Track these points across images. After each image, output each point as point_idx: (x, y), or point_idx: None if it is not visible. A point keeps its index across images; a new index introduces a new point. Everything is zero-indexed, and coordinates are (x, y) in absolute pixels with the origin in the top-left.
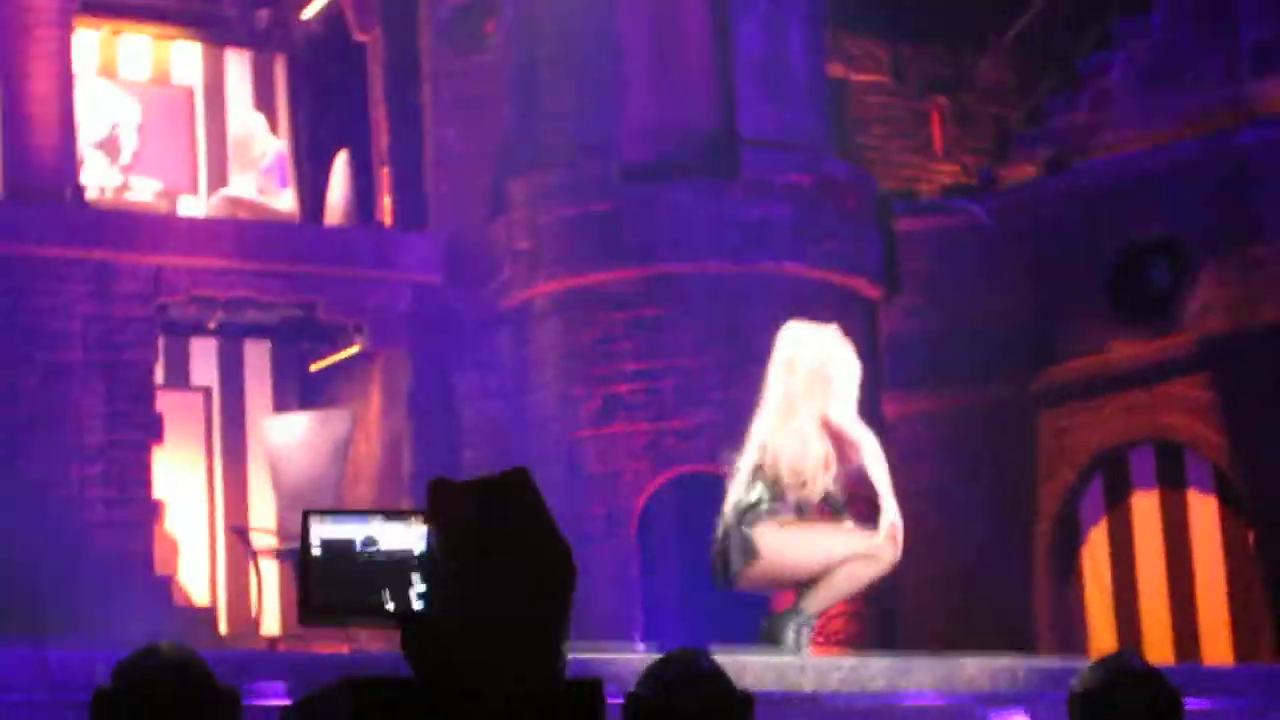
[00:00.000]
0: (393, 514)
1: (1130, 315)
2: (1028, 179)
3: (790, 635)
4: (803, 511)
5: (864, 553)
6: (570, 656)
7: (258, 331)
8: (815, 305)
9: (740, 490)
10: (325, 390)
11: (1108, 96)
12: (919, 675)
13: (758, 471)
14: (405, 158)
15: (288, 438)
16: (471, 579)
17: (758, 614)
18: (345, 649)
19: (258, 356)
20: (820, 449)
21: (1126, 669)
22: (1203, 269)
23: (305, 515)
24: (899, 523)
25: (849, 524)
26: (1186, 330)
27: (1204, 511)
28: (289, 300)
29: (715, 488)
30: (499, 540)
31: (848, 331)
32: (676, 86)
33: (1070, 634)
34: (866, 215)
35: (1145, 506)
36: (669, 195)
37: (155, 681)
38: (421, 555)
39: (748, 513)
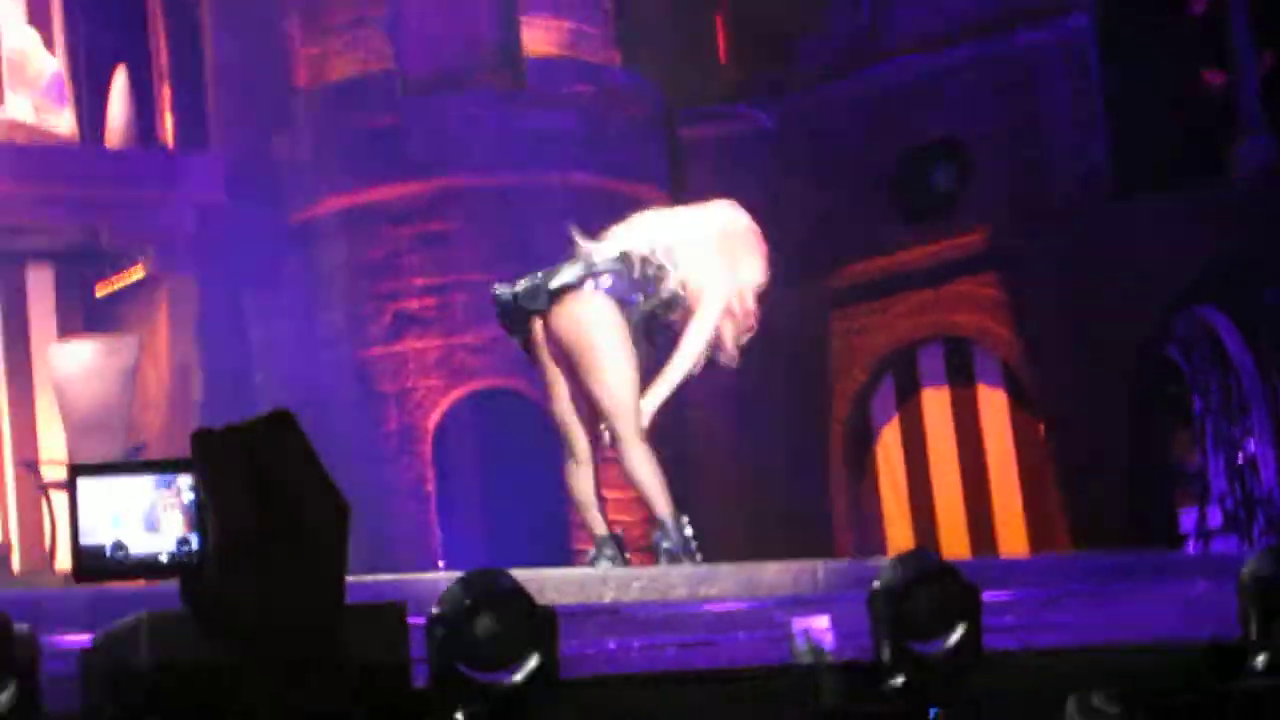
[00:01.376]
0: (161, 465)
1: (916, 217)
2: (811, 85)
3: (676, 539)
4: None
5: (630, 436)
6: (370, 579)
7: (40, 256)
8: (602, 214)
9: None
10: (112, 315)
11: (889, 1)
12: (720, 582)
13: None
14: (185, 74)
15: (74, 365)
16: (244, 530)
17: (557, 530)
18: (141, 582)
19: (41, 282)
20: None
21: (923, 566)
22: (985, 169)
23: (71, 471)
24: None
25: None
26: (970, 229)
27: (994, 406)
28: (71, 224)
29: (511, 403)
30: (266, 489)
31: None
32: None
33: (867, 534)
34: (652, 124)
35: (936, 403)
36: (453, 107)
37: None
38: (194, 504)
39: (595, 275)
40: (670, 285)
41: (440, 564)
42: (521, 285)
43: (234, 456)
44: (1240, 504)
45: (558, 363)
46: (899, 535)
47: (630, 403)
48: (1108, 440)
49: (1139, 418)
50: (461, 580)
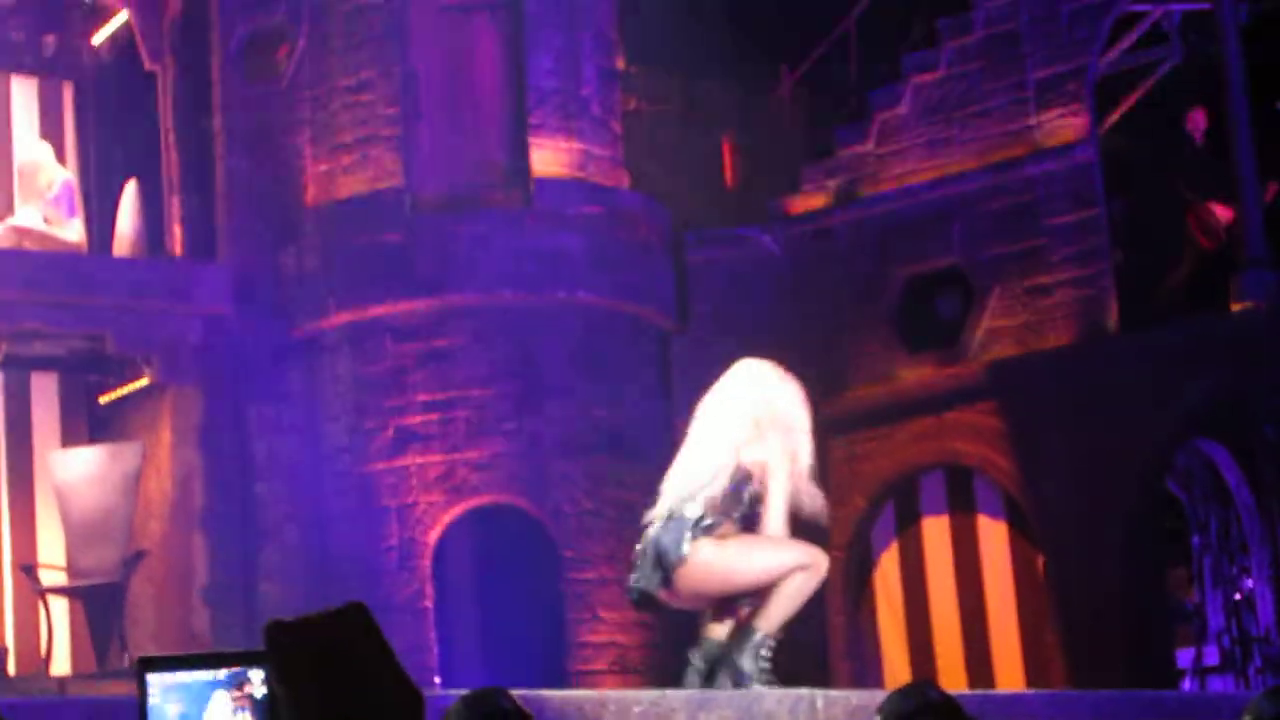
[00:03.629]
0: (231, 658)
1: (918, 344)
2: (817, 210)
3: (748, 661)
4: (741, 525)
5: (805, 563)
6: None
7: (45, 364)
8: (607, 336)
9: (675, 506)
10: (115, 423)
11: (896, 129)
12: (719, 709)
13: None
14: (196, 188)
15: (76, 472)
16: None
17: (556, 650)
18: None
19: (45, 389)
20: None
21: (925, 699)
22: (988, 298)
23: (140, 665)
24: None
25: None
26: (973, 358)
27: (994, 536)
28: (77, 332)
29: (511, 519)
30: (342, 683)
31: (641, 358)
32: (469, 118)
33: (864, 663)
34: (658, 246)
35: (936, 531)
36: (461, 226)
37: None
38: (265, 698)
39: (694, 527)
40: (746, 496)
41: (437, 680)
42: (642, 576)
43: (308, 649)
44: (1236, 642)
45: (699, 601)
46: (896, 666)
47: (784, 561)
48: (1106, 575)
49: (1137, 553)
50: (464, 699)
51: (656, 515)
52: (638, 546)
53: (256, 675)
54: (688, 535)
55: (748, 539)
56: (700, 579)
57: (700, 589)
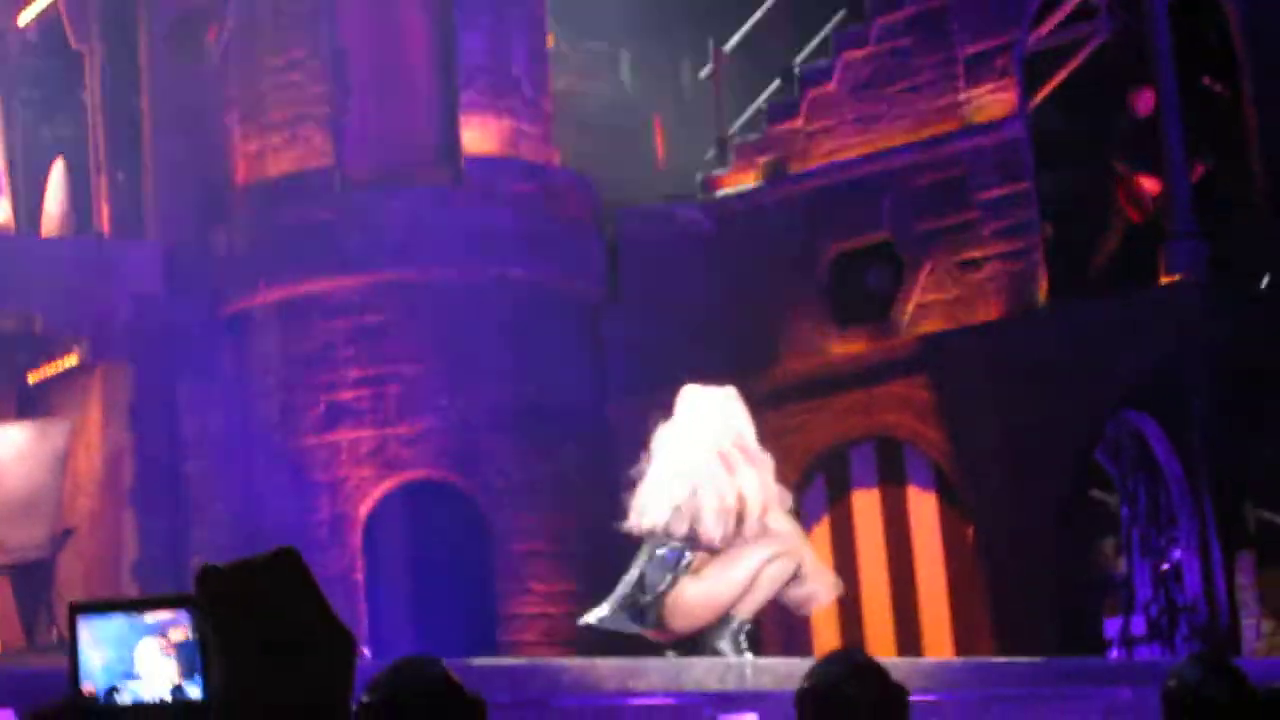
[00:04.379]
0: (160, 601)
1: (849, 318)
2: (747, 186)
3: (727, 644)
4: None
5: (779, 552)
6: None
7: None
8: (538, 312)
9: (652, 542)
10: (44, 402)
11: (826, 105)
12: (649, 677)
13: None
14: (124, 166)
15: (5, 450)
16: (250, 670)
17: (487, 622)
18: (67, 663)
19: None
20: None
21: (852, 663)
22: (919, 272)
23: (71, 610)
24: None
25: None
26: (904, 332)
27: (924, 508)
28: (6, 311)
29: (442, 494)
30: (275, 628)
31: (572, 334)
32: (399, 96)
33: (794, 633)
34: (589, 222)
35: (866, 504)
36: (392, 203)
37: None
38: (193, 643)
39: (674, 569)
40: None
41: (366, 652)
42: (612, 619)
43: (240, 593)
44: (1164, 612)
45: (693, 630)
46: (826, 635)
47: (760, 559)
48: (1035, 546)
49: (1066, 524)
50: (391, 667)
51: (641, 546)
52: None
53: (182, 620)
54: (667, 579)
55: (721, 559)
56: (688, 614)
57: (693, 623)
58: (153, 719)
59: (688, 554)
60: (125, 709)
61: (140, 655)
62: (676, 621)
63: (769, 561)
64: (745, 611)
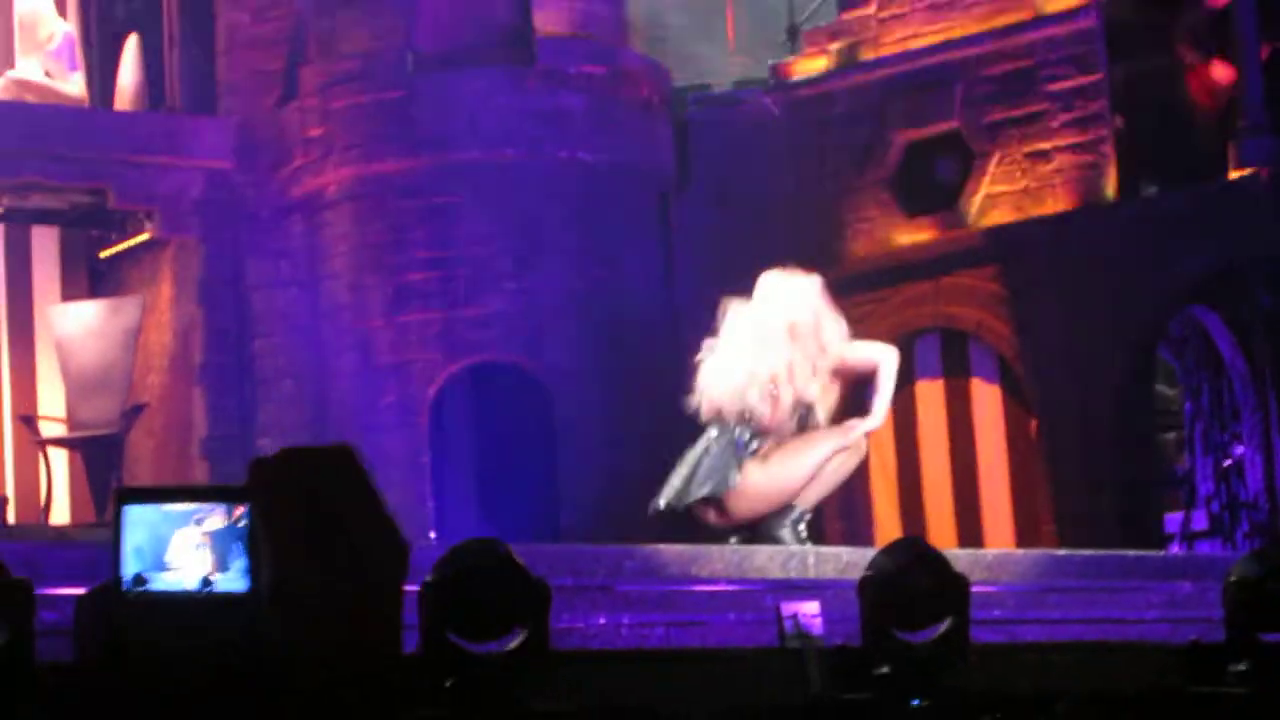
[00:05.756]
0: (213, 493)
1: (917, 208)
2: (818, 73)
3: (787, 533)
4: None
5: (844, 445)
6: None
7: (46, 217)
8: (607, 196)
9: (721, 423)
10: (115, 278)
11: None
12: (711, 564)
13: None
14: (197, 42)
15: (77, 325)
16: (298, 559)
17: (551, 508)
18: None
19: (46, 243)
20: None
21: (913, 554)
22: (988, 163)
23: (117, 497)
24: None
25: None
26: (972, 223)
27: (988, 400)
28: (78, 186)
29: (508, 377)
30: (326, 526)
31: (641, 219)
32: None
33: (856, 522)
34: (659, 107)
35: (930, 394)
36: (462, 83)
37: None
38: (231, 531)
39: (740, 453)
40: (797, 416)
41: (432, 535)
42: (675, 493)
43: (294, 489)
44: (1225, 507)
45: (754, 516)
46: (888, 525)
47: (826, 452)
48: (1098, 440)
49: (1130, 419)
50: (456, 549)
51: (707, 425)
52: (683, 459)
53: (219, 511)
54: (734, 464)
55: (787, 448)
56: (752, 500)
57: (755, 508)
58: (179, 610)
59: (754, 440)
60: (153, 598)
61: (175, 545)
62: (739, 506)
63: (836, 453)
64: (807, 501)
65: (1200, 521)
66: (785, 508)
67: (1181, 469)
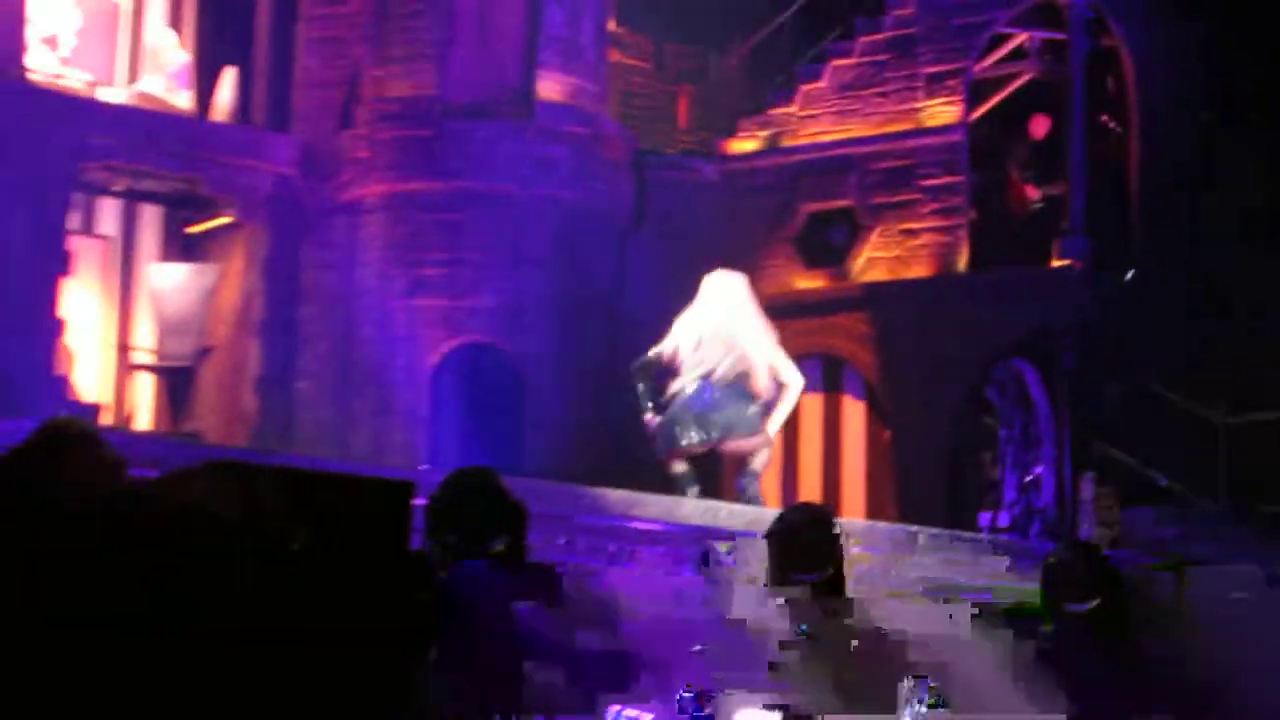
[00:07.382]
0: None
1: (813, 262)
2: (747, 151)
3: (749, 482)
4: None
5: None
6: (373, 473)
7: (152, 198)
8: (579, 226)
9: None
10: (200, 248)
11: (815, 98)
12: (649, 508)
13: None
14: (278, 78)
15: (168, 282)
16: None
17: (516, 452)
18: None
19: (151, 217)
20: None
21: (811, 512)
22: (871, 234)
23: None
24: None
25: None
26: (854, 278)
27: (854, 413)
28: (179, 176)
29: (492, 355)
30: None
31: (605, 245)
32: (493, 49)
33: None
34: (625, 164)
35: (811, 405)
36: (478, 129)
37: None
38: None
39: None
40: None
41: (424, 467)
42: (685, 432)
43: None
44: (1024, 512)
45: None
46: (772, 500)
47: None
48: (935, 451)
49: (960, 438)
50: (458, 471)
51: (715, 377)
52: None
53: None
54: (758, 415)
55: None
56: (748, 449)
57: (739, 452)
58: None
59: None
60: None
61: None
62: (736, 448)
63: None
64: (759, 464)
65: (1004, 520)
66: (747, 466)
67: (993, 480)
